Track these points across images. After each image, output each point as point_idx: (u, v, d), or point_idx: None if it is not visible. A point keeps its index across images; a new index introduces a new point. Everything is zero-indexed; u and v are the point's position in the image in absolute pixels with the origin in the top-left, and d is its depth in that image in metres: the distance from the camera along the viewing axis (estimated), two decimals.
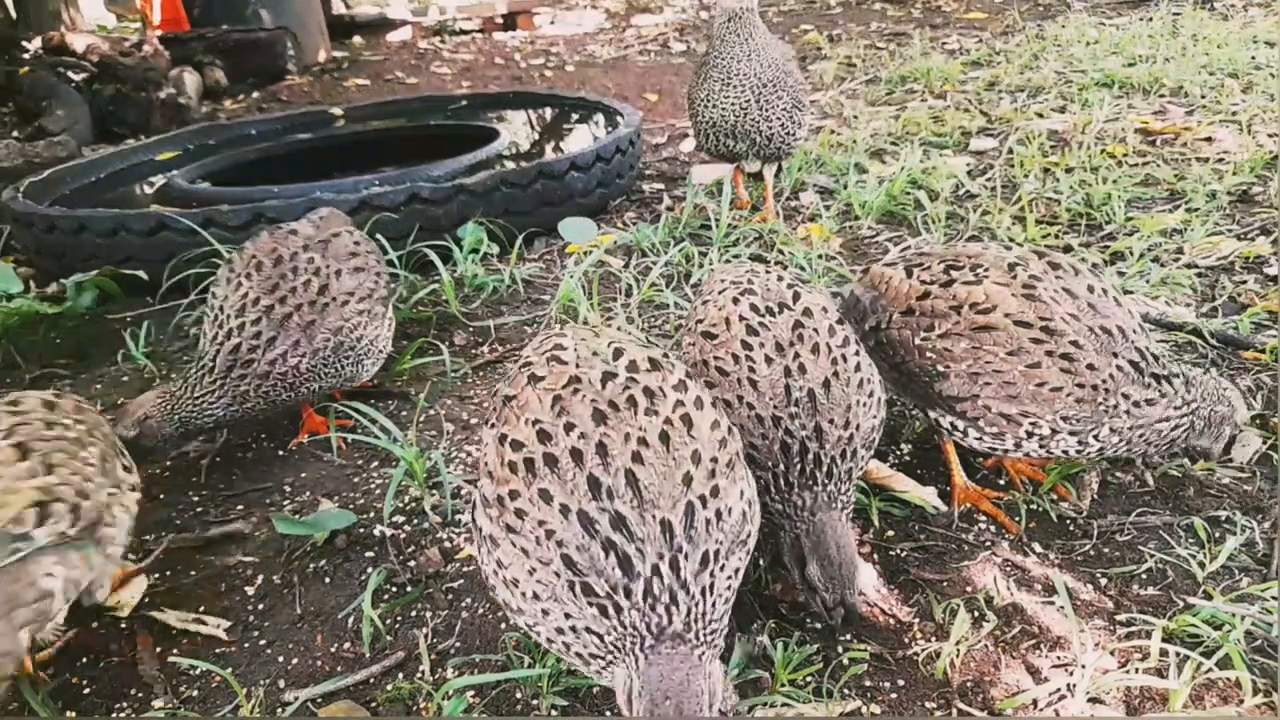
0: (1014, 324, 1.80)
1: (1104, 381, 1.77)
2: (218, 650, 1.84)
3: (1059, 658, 1.67)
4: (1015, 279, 1.86)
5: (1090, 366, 1.77)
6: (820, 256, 3.27)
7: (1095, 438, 1.82)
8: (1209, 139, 4.37)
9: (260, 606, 1.94)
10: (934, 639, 1.72)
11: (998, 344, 1.81)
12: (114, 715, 1.71)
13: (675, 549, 1.31)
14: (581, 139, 4.80)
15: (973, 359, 1.84)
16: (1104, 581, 1.84)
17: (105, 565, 1.75)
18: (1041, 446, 1.85)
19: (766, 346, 1.76)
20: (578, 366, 1.51)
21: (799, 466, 1.67)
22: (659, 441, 1.38)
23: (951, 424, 1.94)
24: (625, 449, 1.36)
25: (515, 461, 1.39)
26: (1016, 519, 2.01)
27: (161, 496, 2.31)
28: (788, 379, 1.71)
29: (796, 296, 1.88)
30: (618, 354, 1.55)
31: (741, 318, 1.82)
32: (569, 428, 1.39)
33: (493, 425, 1.52)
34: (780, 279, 1.96)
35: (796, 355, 1.74)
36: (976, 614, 1.77)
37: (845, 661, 1.68)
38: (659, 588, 1.29)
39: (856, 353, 1.80)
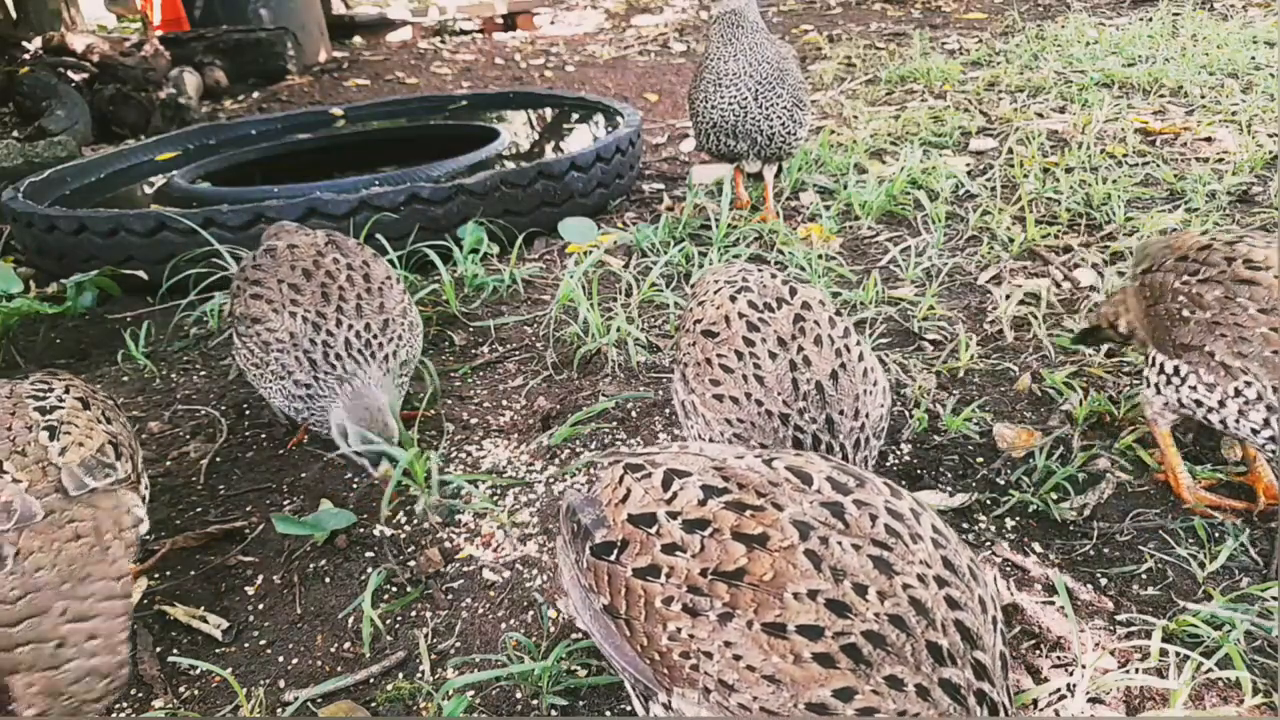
0: (1276, 281, 1.82)
1: None
2: (218, 650, 1.84)
3: (1059, 658, 1.67)
4: None
5: None
6: (820, 256, 3.27)
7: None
8: (1209, 139, 4.37)
9: (260, 606, 1.94)
10: None
11: (1254, 298, 1.83)
12: (114, 715, 1.71)
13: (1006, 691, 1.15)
14: (581, 139, 4.80)
15: (1219, 307, 1.86)
16: (1104, 581, 1.84)
17: None
18: (1236, 411, 1.85)
19: (769, 341, 1.77)
20: (777, 506, 1.21)
21: None
22: (951, 572, 1.16)
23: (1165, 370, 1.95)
24: (936, 596, 1.13)
25: (826, 654, 1.08)
26: (1016, 520, 2.02)
27: (162, 497, 2.32)
28: (794, 373, 1.73)
29: (793, 291, 1.89)
30: (806, 479, 1.26)
31: (741, 314, 1.83)
32: (861, 590, 1.12)
33: (724, 614, 1.14)
34: (774, 275, 1.97)
35: (800, 349, 1.75)
36: None
37: None
38: None
39: (858, 342, 1.82)
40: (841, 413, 1.70)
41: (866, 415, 1.74)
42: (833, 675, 1.07)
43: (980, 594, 1.18)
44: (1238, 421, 1.85)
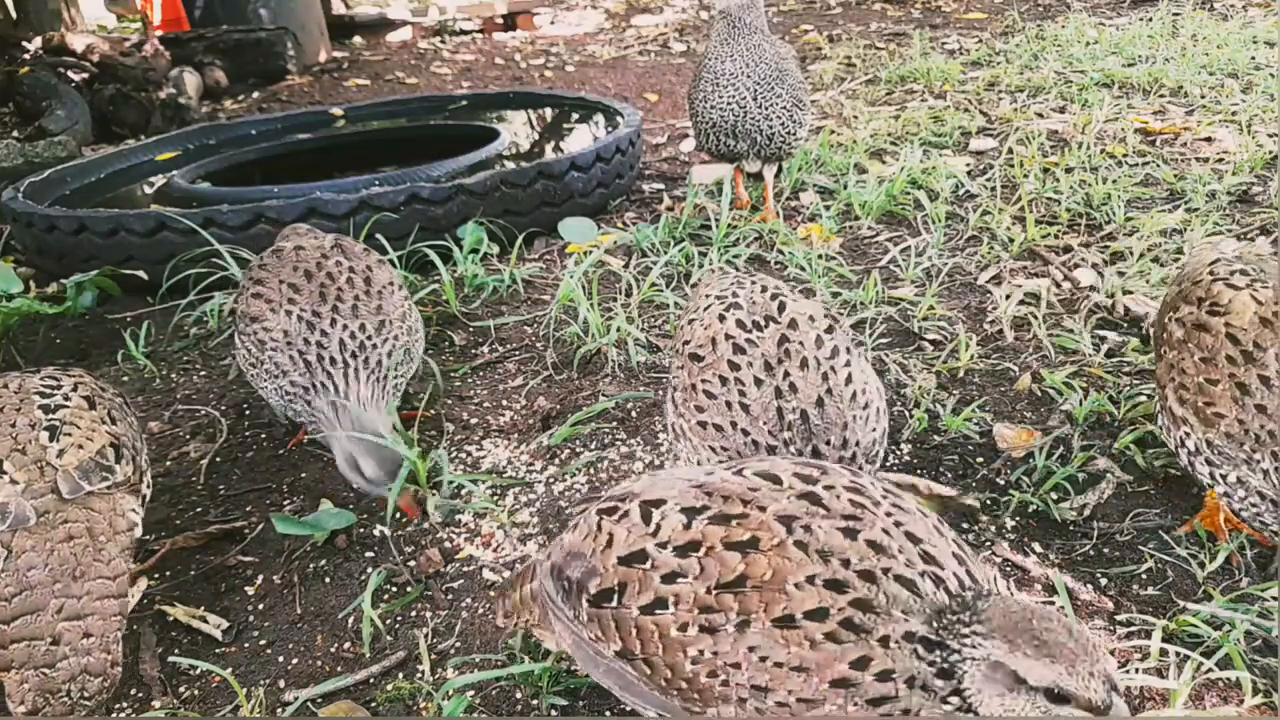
0: (1225, 334, 1.70)
1: (1262, 429, 1.61)
2: (218, 650, 1.84)
3: None
4: (1272, 301, 1.72)
5: (1259, 407, 1.63)
6: (820, 256, 3.27)
7: (1225, 480, 1.69)
8: (1209, 139, 4.37)
9: (260, 606, 1.94)
10: None
11: (1200, 345, 1.74)
12: (114, 715, 1.71)
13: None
14: (581, 139, 4.80)
15: (1179, 349, 1.78)
16: (1104, 581, 1.84)
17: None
18: (1186, 459, 1.77)
19: (754, 366, 1.71)
20: (760, 508, 1.23)
21: None
22: (904, 513, 1.24)
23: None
24: (912, 549, 1.19)
25: (832, 632, 1.13)
26: (1016, 518, 2.01)
27: (162, 497, 2.31)
28: (779, 401, 1.67)
29: (782, 307, 1.82)
30: (775, 481, 1.29)
31: (728, 335, 1.76)
32: (846, 564, 1.17)
33: (740, 622, 1.16)
34: (765, 289, 1.90)
35: (786, 374, 1.69)
36: None
37: None
38: None
39: (847, 364, 1.74)
40: (828, 443, 1.64)
41: (857, 443, 1.66)
42: (846, 649, 1.11)
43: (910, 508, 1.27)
44: (1193, 468, 1.78)
